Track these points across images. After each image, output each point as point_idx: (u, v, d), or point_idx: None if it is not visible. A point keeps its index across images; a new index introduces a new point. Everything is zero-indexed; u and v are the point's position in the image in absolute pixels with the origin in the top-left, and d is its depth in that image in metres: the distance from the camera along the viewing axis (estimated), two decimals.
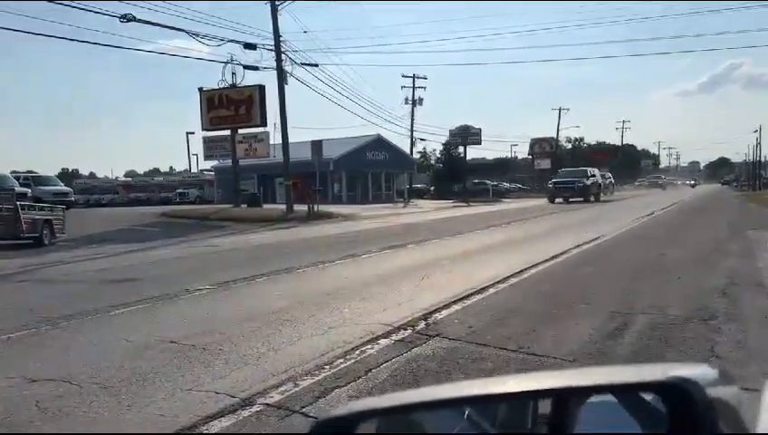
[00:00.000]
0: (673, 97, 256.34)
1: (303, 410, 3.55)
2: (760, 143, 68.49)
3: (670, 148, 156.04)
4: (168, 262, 11.51)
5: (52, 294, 8.16)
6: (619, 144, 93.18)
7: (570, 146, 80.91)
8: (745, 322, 5.47)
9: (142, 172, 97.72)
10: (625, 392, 0.72)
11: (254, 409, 3.61)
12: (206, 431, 3.34)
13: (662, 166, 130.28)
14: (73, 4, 19.21)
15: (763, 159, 71.73)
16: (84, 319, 6.27)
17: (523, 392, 0.79)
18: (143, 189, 52.76)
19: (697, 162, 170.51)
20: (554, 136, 70.43)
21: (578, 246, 11.62)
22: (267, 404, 3.67)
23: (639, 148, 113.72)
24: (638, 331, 5.20)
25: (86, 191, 51.64)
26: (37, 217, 15.42)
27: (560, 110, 70.23)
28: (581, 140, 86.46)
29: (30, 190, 25.57)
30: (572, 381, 0.76)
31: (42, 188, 28.30)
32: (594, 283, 7.77)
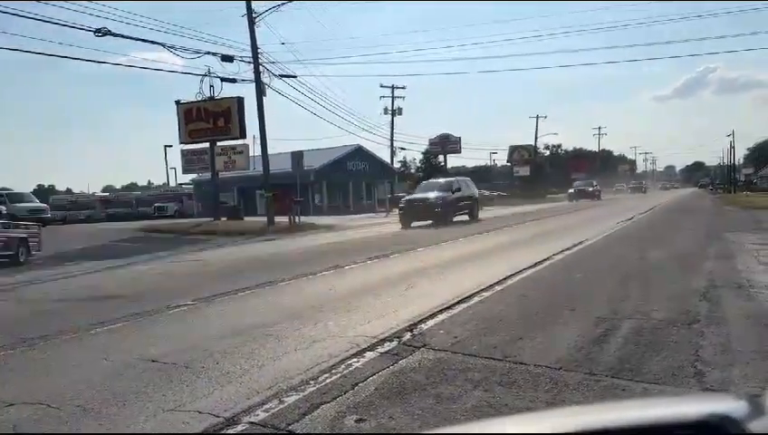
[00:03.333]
0: (649, 102, 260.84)
1: (290, 427, 3.49)
2: (733, 147, 69.79)
3: (647, 153, 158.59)
4: (147, 278, 11.34)
5: (28, 314, 7.98)
6: (596, 150, 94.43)
7: (548, 153, 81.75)
8: (727, 324, 5.52)
9: (120, 187, 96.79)
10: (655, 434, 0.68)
11: (239, 428, 3.53)
12: None
13: (639, 171, 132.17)
14: (48, 18, 18.99)
15: (737, 163, 73.03)
16: (63, 339, 6.12)
17: None
18: (121, 204, 52.19)
19: (673, 166, 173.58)
20: (533, 143, 71.12)
21: (560, 251, 11.69)
22: (252, 422, 3.59)
23: (616, 153, 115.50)
24: (624, 336, 5.21)
25: (63, 207, 50.88)
26: (12, 234, 15.13)
27: (537, 117, 70.98)
28: (559, 146, 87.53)
29: (5, 208, 25.16)
30: (587, 422, 0.72)
31: (17, 205, 27.85)
32: (578, 288, 7.80)
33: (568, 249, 12.16)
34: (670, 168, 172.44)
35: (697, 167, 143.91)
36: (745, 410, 0.68)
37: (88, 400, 4.15)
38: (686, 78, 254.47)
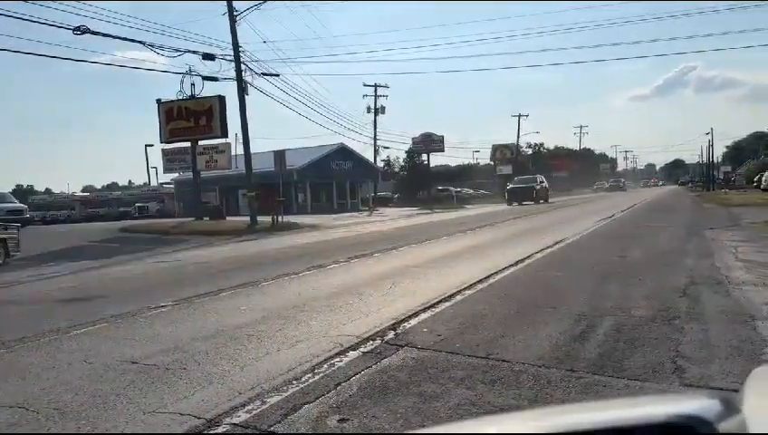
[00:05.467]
0: (629, 101, 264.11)
1: (272, 428, 3.46)
2: (712, 145, 70.67)
3: (627, 151, 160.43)
4: (128, 279, 11.23)
5: (6, 316, 7.85)
6: (578, 148, 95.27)
7: (530, 152, 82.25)
8: (707, 320, 5.58)
9: (100, 187, 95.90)
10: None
11: (221, 429, 3.50)
12: None
13: (619, 169, 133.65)
14: (26, 16, 18.70)
15: (715, 161, 73.95)
16: (41, 341, 6.04)
17: None
18: (101, 204, 51.65)
19: (653, 164, 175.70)
20: (515, 142, 71.50)
21: (541, 250, 11.76)
22: (234, 424, 3.57)
23: (597, 152, 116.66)
24: (604, 333, 5.26)
25: (42, 208, 50.30)
26: None
27: (519, 116, 71.40)
28: (541, 145, 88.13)
29: None
30: (560, 424, 0.71)
31: None
32: (559, 286, 7.84)
33: (549, 247, 12.25)
34: (650, 166, 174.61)
35: (677, 165, 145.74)
36: (718, 409, 0.69)
37: (66, 402, 4.09)
38: (666, 77, 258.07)
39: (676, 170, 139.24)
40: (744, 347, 4.65)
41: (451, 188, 54.14)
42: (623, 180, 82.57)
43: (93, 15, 31.54)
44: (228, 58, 25.48)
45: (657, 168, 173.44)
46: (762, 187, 44.59)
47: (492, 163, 71.35)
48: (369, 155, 53.35)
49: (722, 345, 4.73)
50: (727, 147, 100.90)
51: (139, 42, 22.79)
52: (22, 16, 18.68)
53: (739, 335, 5.00)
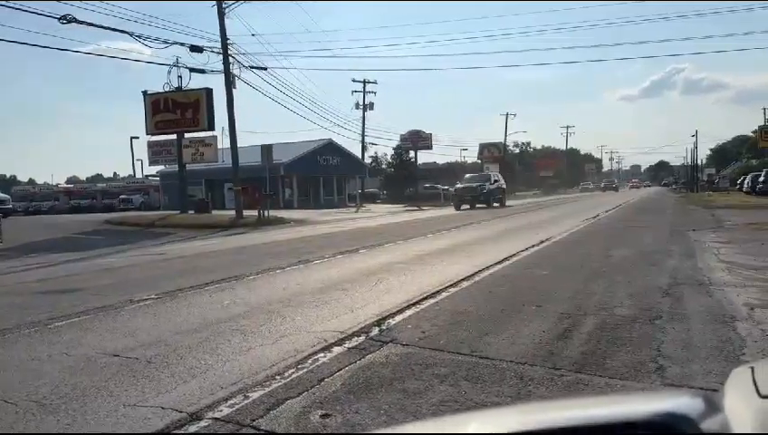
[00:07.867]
0: (617, 102, 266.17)
1: (254, 423, 3.44)
2: (697, 147, 71.46)
3: (612, 151, 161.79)
4: (111, 271, 11.12)
5: None
6: (564, 148, 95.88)
7: (517, 150, 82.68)
8: (689, 320, 5.63)
9: (84, 178, 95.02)
10: (606, 433, 0.67)
11: (202, 423, 3.48)
12: None
13: (605, 169, 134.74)
14: (10, 4, 18.46)
15: (700, 163, 74.73)
16: (21, 333, 5.96)
17: None
18: (85, 196, 51.20)
19: (638, 165, 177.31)
20: (502, 141, 71.80)
21: (527, 248, 11.81)
22: (216, 418, 3.54)
23: (583, 152, 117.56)
24: (588, 332, 5.28)
25: (25, 198, 49.79)
26: None
27: (507, 115, 71.72)
28: (528, 144, 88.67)
29: None
30: (542, 420, 0.70)
31: None
32: (543, 285, 7.87)
33: (534, 246, 12.30)
34: (636, 167, 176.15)
35: (662, 166, 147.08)
36: (701, 408, 0.68)
37: (46, 395, 4.04)
38: (654, 78, 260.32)
39: (660, 172, 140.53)
40: (724, 347, 4.69)
41: (438, 186, 54.21)
42: (493, 175, 38.49)
43: (77, 4, 31.14)
44: (216, 50, 25.34)
45: (643, 169, 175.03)
46: (745, 189, 45.11)
47: (479, 161, 71.55)
48: (356, 151, 53.35)
49: (703, 345, 4.77)
50: (711, 149, 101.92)
51: (126, 32, 22.62)
52: (6, 3, 18.42)
53: (720, 336, 5.05)
